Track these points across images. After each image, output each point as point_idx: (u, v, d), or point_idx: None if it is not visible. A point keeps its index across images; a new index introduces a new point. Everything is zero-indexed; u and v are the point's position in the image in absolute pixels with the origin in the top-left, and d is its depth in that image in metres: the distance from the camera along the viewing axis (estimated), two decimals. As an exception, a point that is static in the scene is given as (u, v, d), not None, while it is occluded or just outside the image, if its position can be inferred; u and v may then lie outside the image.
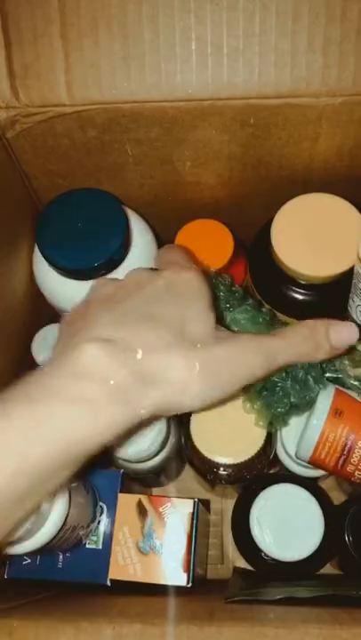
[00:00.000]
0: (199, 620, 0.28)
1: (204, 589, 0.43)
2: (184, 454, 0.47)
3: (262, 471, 0.48)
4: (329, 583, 0.39)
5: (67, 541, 0.37)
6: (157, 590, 0.38)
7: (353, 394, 0.42)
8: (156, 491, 0.55)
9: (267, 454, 0.46)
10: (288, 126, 0.41)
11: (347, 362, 0.45)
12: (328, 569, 0.48)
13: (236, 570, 0.50)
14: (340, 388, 0.42)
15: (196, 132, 0.42)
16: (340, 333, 0.35)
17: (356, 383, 0.44)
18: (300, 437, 0.41)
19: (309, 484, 0.44)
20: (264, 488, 0.43)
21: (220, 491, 0.54)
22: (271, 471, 0.52)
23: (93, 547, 0.41)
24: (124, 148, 0.44)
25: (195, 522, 0.39)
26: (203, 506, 0.48)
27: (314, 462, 0.41)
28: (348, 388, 0.44)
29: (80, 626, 0.27)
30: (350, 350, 0.46)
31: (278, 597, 0.34)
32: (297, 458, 0.41)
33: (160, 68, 0.39)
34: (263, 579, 0.41)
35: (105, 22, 0.39)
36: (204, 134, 0.43)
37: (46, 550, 0.36)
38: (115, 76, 0.39)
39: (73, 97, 0.40)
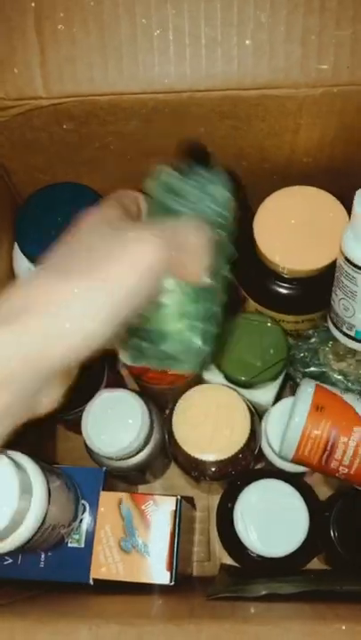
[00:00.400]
0: (178, 619, 0.27)
1: (188, 587, 0.43)
2: (168, 451, 0.46)
3: (248, 467, 0.47)
4: (314, 579, 0.38)
5: (47, 541, 0.37)
6: (141, 589, 0.38)
7: (335, 389, 0.42)
8: (141, 488, 0.55)
9: (251, 450, 0.46)
10: (268, 118, 0.41)
11: (331, 356, 0.45)
12: (316, 564, 0.48)
13: (223, 567, 0.50)
14: (321, 384, 0.42)
15: (176, 124, 0.42)
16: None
17: (340, 377, 0.44)
18: (283, 435, 0.41)
19: (294, 480, 0.44)
20: (249, 484, 0.43)
21: (206, 487, 0.53)
22: (258, 466, 0.52)
23: (76, 545, 0.41)
24: (104, 141, 0.43)
25: (177, 520, 0.39)
26: (187, 502, 0.47)
27: (298, 460, 0.40)
28: (333, 383, 0.44)
29: (56, 627, 0.27)
30: (335, 345, 0.46)
31: (262, 594, 0.33)
32: (281, 457, 0.41)
33: (137, 59, 0.38)
34: (249, 575, 0.41)
35: (80, 14, 0.38)
36: (184, 126, 0.42)
37: (26, 550, 0.36)
38: (91, 68, 0.39)
39: (49, 90, 0.39)
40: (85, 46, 0.38)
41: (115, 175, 0.47)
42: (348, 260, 0.39)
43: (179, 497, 0.40)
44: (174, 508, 0.39)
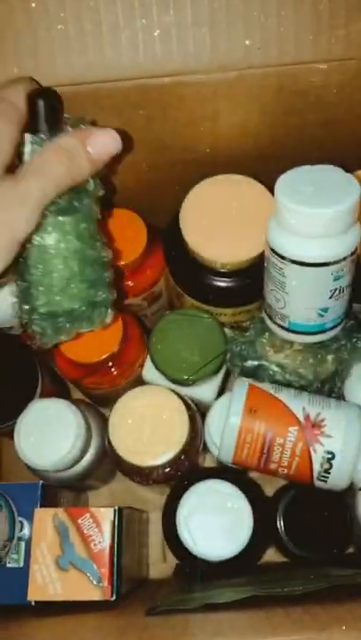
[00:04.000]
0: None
1: (138, 595, 0.42)
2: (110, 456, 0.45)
3: (195, 465, 0.46)
4: (258, 580, 0.38)
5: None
6: (84, 606, 0.37)
7: (269, 388, 0.40)
8: (91, 494, 0.54)
9: (195, 449, 0.45)
10: (184, 106, 0.39)
11: (268, 348, 0.44)
12: (273, 556, 0.47)
13: (178, 568, 0.49)
14: (254, 384, 0.41)
15: (89, 118, 0.39)
16: (98, 140, 0.34)
17: (277, 369, 0.43)
18: (220, 440, 0.40)
19: (239, 478, 0.43)
20: (191, 486, 0.42)
21: (158, 488, 0.52)
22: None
23: (15, 566, 0.40)
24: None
25: (116, 531, 0.37)
26: (133, 509, 0.46)
27: (237, 464, 0.39)
28: (271, 375, 0.43)
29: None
30: (271, 336, 0.44)
31: (200, 605, 0.32)
32: (220, 461, 0.40)
33: (37, 52, 0.36)
34: (196, 580, 0.40)
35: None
36: (98, 120, 0.40)
37: None
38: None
39: None
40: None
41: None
42: (273, 251, 0.37)
43: (116, 507, 0.38)
44: (113, 519, 0.38)
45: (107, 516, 0.38)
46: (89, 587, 0.36)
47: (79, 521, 0.38)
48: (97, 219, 0.36)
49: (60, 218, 0.34)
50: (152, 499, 0.53)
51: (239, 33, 0.36)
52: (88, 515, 0.38)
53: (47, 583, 0.36)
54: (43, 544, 0.37)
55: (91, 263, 0.36)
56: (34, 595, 0.36)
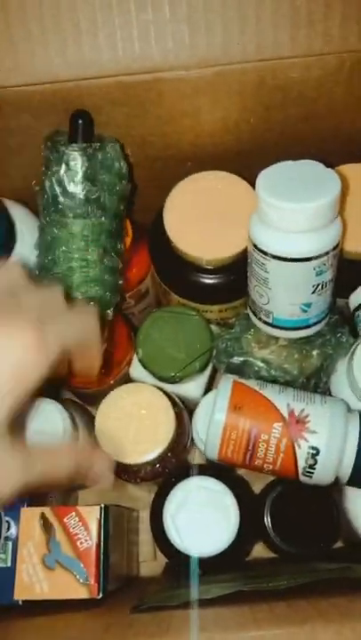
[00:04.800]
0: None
1: (126, 593, 0.42)
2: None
3: (183, 462, 0.46)
4: (244, 576, 0.38)
5: None
6: (71, 605, 0.36)
7: (254, 384, 0.40)
8: (82, 492, 0.54)
9: (181, 446, 0.45)
10: (164, 102, 0.39)
11: (253, 344, 0.44)
12: (262, 551, 0.47)
13: (167, 566, 0.49)
14: (239, 380, 0.41)
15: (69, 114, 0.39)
16: (101, 466, 0.34)
17: (263, 365, 0.43)
18: (205, 437, 0.40)
19: (225, 474, 0.43)
20: (177, 483, 0.42)
21: (147, 486, 0.52)
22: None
23: (2, 565, 0.39)
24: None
25: (102, 529, 0.37)
26: (121, 506, 0.46)
27: (222, 460, 0.39)
28: (256, 371, 0.43)
29: None
30: (256, 332, 0.44)
31: (184, 601, 0.32)
32: (206, 457, 0.40)
33: (16, 49, 0.36)
34: (182, 576, 0.40)
35: None
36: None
37: None
38: (-32, 61, 0.36)
39: None
40: None
41: (17, 174, 0.45)
42: (255, 247, 0.37)
43: (102, 505, 0.38)
44: (99, 518, 0.38)
45: (93, 514, 0.38)
46: (75, 585, 0.36)
47: (65, 520, 0.38)
48: (122, 217, 0.42)
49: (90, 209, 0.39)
50: (141, 497, 0.53)
51: (218, 29, 0.36)
52: (74, 513, 0.38)
53: (34, 582, 0.36)
54: (29, 543, 0.37)
55: (109, 256, 0.41)
56: (20, 594, 0.36)
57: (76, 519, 0.38)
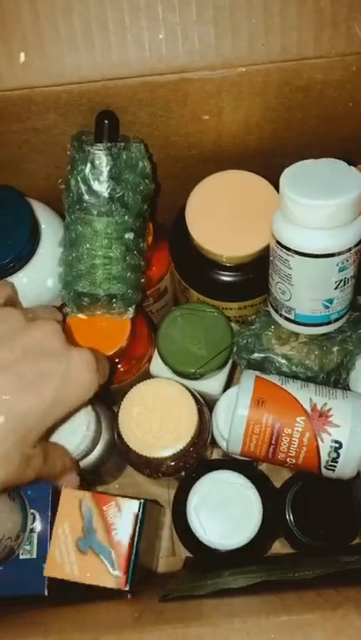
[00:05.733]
0: (119, 629, 0.27)
1: (148, 585, 0.42)
2: (120, 450, 0.45)
3: (202, 458, 0.47)
4: (269, 568, 0.38)
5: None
6: (96, 592, 0.37)
7: (275, 379, 0.41)
8: (99, 489, 0.54)
9: (202, 441, 0.45)
10: (189, 102, 0.40)
11: (274, 340, 0.45)
12: (279, 548, 0.48)
13: (188, 561, 0.49)
14: (261, 376, 0.41)
15: (95, 115, 0.40)
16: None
17: (284, 361, 0.44)
18: (228, 432, 0.40)
19: (248, 468, 0.44)
20: (201, 476, 0.42)
21: (165, 482, 0.53)
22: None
23: (27, 557, 0.40)
24: (22, 138, 0.42)
25: (138, 524, 0.38)
26: (153, 502, 0.46)
27: (245, 455, 0.40)
28: (277, 368, 0.44)
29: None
30: (277, 329, 0.45)
31: (210, 591, 0.33)
32: (229, 452, 0.41)
33: (45, 50, 0.37)
34: (207, 568, 0.40)
35: (-19, 5, 0.36)
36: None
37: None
38: (-2, 62, 0.37)
39: None
40: (-12, 39, 0.36)
41: (39, 173, 0.46)
42: (278, 243, 0.38)
43: (142, 500, 0.38)
44: (137, 512, 0.38)
45: (132, 507, 0.38)
46: (105, 574, 0.36)
47: (104, 508, 0.38)
48: (145, 216, 0.43)
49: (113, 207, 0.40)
50: (160, 494, 0.54)
51: (243, 30, 0.37)
52: (114, 503, 0.38)
53: (65, 563, 0.37)
54: (66, 524, 0.37)
55: (132, 254, 0.42)
56: (50, 572, 0.36)
57: (115, 509, 0.38)
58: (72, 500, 0.38)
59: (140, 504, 0.38)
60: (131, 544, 0.37)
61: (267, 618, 0.27)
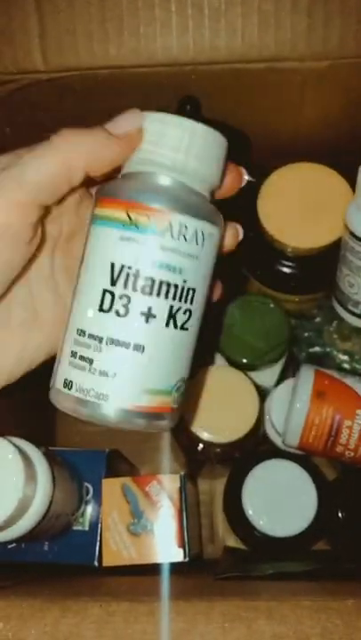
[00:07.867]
0: (189, 596, 0.27)
1: (197, 569, 0.42)
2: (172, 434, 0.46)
3: (252, 449, 0.47)
4: (319, 559, 0.38)
5: (53, 528, 0.36)
6: (153, 571, 0.37)
7: (334, 373, 0.41)
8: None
9: (260, 432, 0.46)
10: (272, 92, 0.40)
11: (335, 336, 0.45)
12: (319, 545, 0.48)
13: (227, 549, 0.49)
14: (320, 369, 0.41)
15: (177, 99, 0.41)
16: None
17: (345, 357, 0.44)
18: (286, 424, 0.40)
19: (303, 460, 0.44)
20: (257, 464, 0.42)
21: (207, 472, 0.53)
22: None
23: (80, 528, 0.41)
24: (106, 117, 0.42)
25: (183, 496, 0.38)
26: (190, 482, 0.47)
27: (302, 448, 0.40)
28: (338, 364, 0.44)
29: (66, 605, 0.26)
30: (339, 324, 0.45)
31: (269, 572, 0.33)
32: (285, 445, 0.41)
33: (139, 31, 0.37)
34: (255, 557, 0.40)
35: (80, -17, 0.37)
36: (187, 101, 0.41)
37: (32, 537, 0.35)
38: (92, 40, 0.38)
39: (48, 63, 0.38)
40: (85, 17, 0.37)
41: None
42: (353, 235, 0.38)
43: (182, 473, 0.39)
44: (179, 485, 0.39)
45: (174, 482, 0.39)
46: (162, 550, 0.37)
47: (147, 489, 0.39)
48: None
49: None
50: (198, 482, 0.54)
51: (336, 22, 0.37)
52: (155, 482, 0.39)
53: (121, 549, 0.37)
54: (114, 512, 0.38)
55: None
56: (109, 561, 0.37)
57: (158, 487, 0.39)
58: (114, 488, 0.39)
59: (180, 477, 0.39)
60: (180, 517, 0.38)
61: (333, 599, 0.27)
